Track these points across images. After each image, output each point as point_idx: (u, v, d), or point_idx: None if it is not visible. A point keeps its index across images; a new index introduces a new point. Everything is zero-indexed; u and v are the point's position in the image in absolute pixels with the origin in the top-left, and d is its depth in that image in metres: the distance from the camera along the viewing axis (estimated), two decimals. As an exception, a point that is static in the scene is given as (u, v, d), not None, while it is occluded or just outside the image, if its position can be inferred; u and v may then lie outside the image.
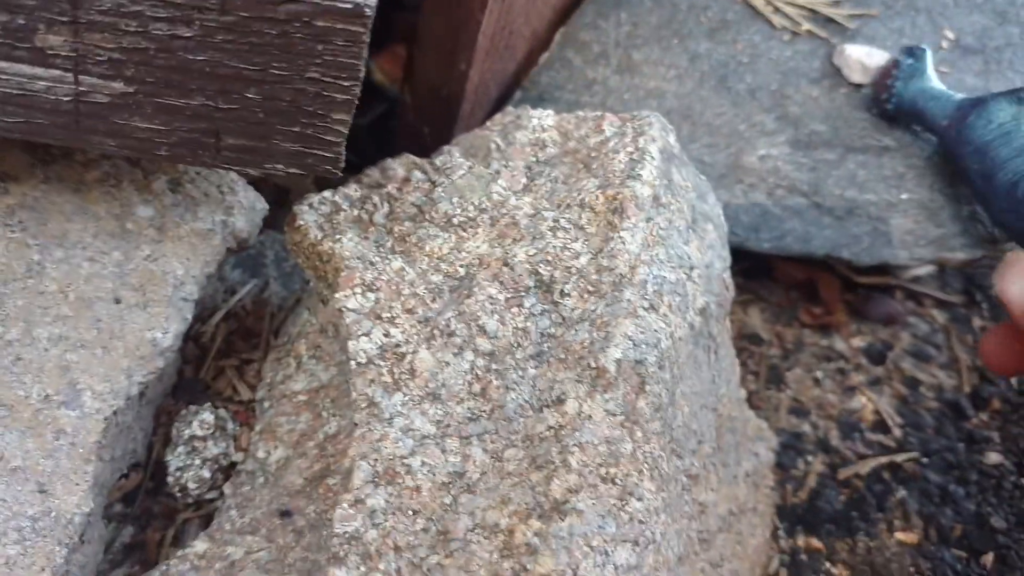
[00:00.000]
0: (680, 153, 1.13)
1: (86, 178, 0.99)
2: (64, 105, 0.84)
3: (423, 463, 0.86)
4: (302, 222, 1.02)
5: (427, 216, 1.03)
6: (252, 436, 1.03)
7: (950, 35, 1.61)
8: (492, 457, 0.87)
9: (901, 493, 1.33)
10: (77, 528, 0.84)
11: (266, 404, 1.04)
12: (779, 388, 1.43)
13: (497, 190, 1.05)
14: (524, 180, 1.07)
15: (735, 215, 1.42)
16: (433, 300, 0.97)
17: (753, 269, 1.55)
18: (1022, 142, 1.24)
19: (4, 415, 0.87)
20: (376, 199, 1.06)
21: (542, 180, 1.07)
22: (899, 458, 1.36)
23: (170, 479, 1.00)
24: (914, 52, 1.49)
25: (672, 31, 1.60)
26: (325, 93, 0.85)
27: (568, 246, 0.99)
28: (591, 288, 0.98)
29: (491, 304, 0.96)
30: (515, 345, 0.95)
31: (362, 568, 0.80)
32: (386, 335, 0.94)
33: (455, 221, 1.02)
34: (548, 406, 0.90)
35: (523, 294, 0.98)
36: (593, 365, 0.92)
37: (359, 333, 0.93)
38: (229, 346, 1.11)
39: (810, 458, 1.36)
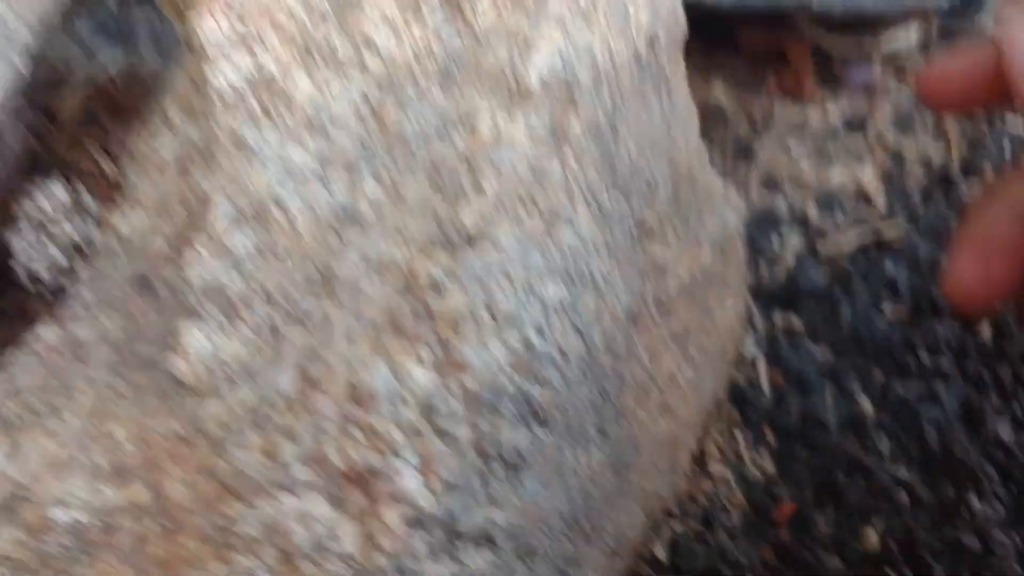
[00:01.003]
0: None
1: None
2: None
3: (302, 201, 0.69)
4: (146, -58, 0.82)
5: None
6: (115, 211, 0.85)
7: None
8: (388, 191, 0.71)
9: (889, 267, 1.18)
10: None
11: (132, 175, 0.86)
12: (748, 163, 1.26)
13: None
14: None
15: (690, -37, 1.22)
16: (313, 21, 0.78)
17: (716, 40, 1.36)
18: None
19: None
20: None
21: None
22: (885, 231, 1.21)
23: (17, 268, 0.84)
24: None
25: None
26: None
27: (473, -59, 0.80)
28: (511, 1, 0.79)
29: (385, 21, 0.77)
30: (416, 68, 0.77)
31: (223, 320, 0.64)
32: (256, 64, 0.75)
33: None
34: (457, 130, 0.72)
35: (424, 9, 0.79)
36: (513, 83, 0.74)
37: (222, 63, 0.75)
38: (92, 120, 0.92)
39: (786, 234, 1.20)
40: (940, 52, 1.37)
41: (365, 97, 0.74)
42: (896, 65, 1.39)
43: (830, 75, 1.36)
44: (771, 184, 1.23)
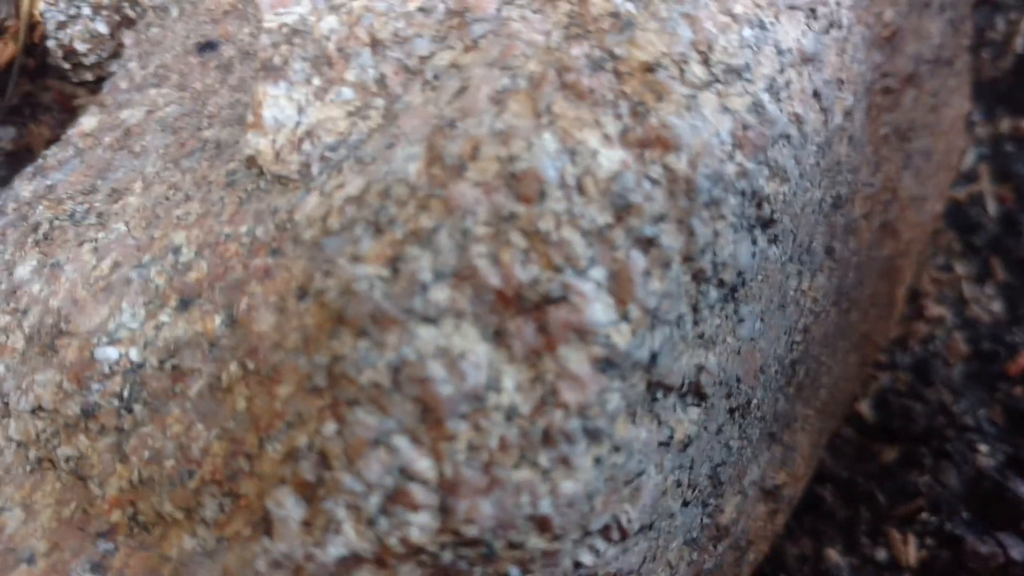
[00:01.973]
0: None
1: None
2: None
3: (417, -92, 0.47)
4: None
5: None
6: (166, -31, 0.65)
7: None
8: None
9: None
10: None
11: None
12: (967, -79, 0.97)
13: None
14: None
15: None
16: None
17: None
18: None
19: None
20: None
21: None
22: None
23: (51, 43, 0.65)
24: None
25: None
26: None
27: None
28: None
29: None
30: None
31: (315, 81, 0.44)
32: None
33: None
34: None
35: None
36: None
37: None
38: None
39: (1016, 18, 0.93)
40: None
41: None
42: None
43: None
44: (999, -52, 0.95)
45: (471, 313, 0.40)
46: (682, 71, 0.43)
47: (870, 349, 0.72)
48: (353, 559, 0.39)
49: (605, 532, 0.42)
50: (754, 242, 0.46)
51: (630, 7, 0.43)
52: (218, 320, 0.42)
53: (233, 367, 0.41)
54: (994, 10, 0.94)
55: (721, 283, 0.45)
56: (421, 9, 0.45)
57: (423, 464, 0.39)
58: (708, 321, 0.45)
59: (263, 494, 0.40)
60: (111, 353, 0.43)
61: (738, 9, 0.44)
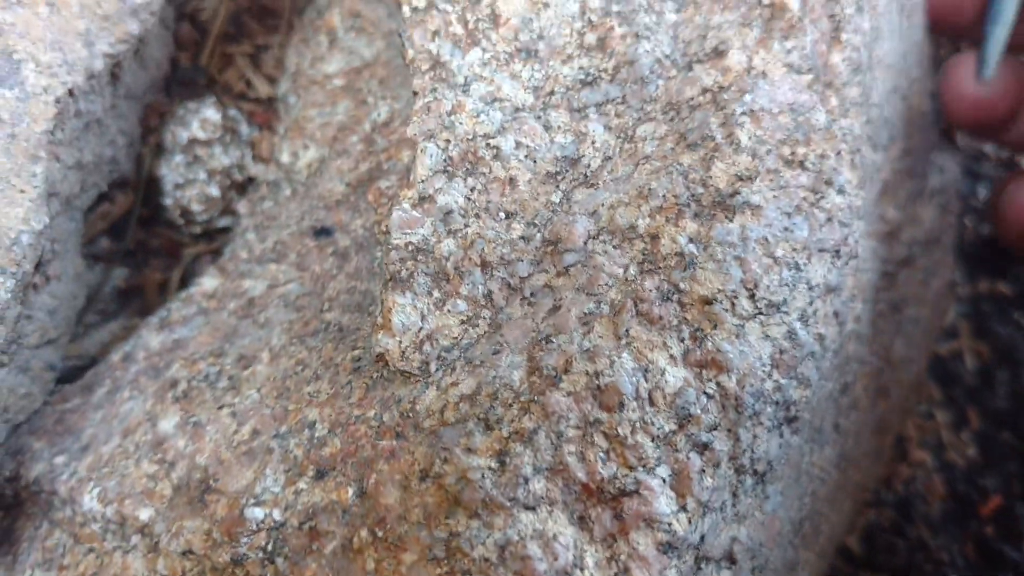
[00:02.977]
0: None
1: None
2: None
3: (518, 145, 0.58)
4: None
5: None
6: (274, 140, 0.75)
7: None
8: (619, 135, 0.59)
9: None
10: (26, 252, 0.59)
11: (291, 99, 0.76)
12: (953, 98, 1.10)
13: None
14: None
15: None
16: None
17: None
18: None
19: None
20: None
21: None
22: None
23: (168, 200, 0.74)
24: None
25: None
26: None
27: None
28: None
29: (604, -74, 0.64)
30: (642, -16, 0.64)
31: (435, 294, 0.54)
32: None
33: None
34: (701, 61, 0.60)
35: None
36: (766, 1, 0.61)
37: (413, -28, 0.63)
38: (239, 28, 0.81)
39: (995, 184, 1.05)
40: None
41: (584, 11, 0.62)
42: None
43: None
44: (980, 126, 1.08)
45: (562, 502, 0.49)
46: (733, 304, 0.53)
47: (861, 493, 0.83)
48: None
49: None
50: (781, 435, 0.56)
51: (692, 248, 0.54)
52: (350, 491, 0.51)
53: (363, 533, 0.50)
54: (976, 180, 1.06)
55: (755, 472, 0.55)
56: (522, 238, 0.56)
57: (519, 626, 0.48)
58: (743, 502, 0.55)
59: (381, 640, 0.49)
60: (258, 513, 0.52)
61: (779, 253, 0.55)
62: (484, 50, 0.61)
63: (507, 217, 0.56)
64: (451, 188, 0.56)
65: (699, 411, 0.51)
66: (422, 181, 0.56)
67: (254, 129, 0.77)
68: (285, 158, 0.72)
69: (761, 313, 0.54)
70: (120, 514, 0.55)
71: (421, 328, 0.54)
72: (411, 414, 0.52)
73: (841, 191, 0.58)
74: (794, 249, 0.55)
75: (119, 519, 0.55)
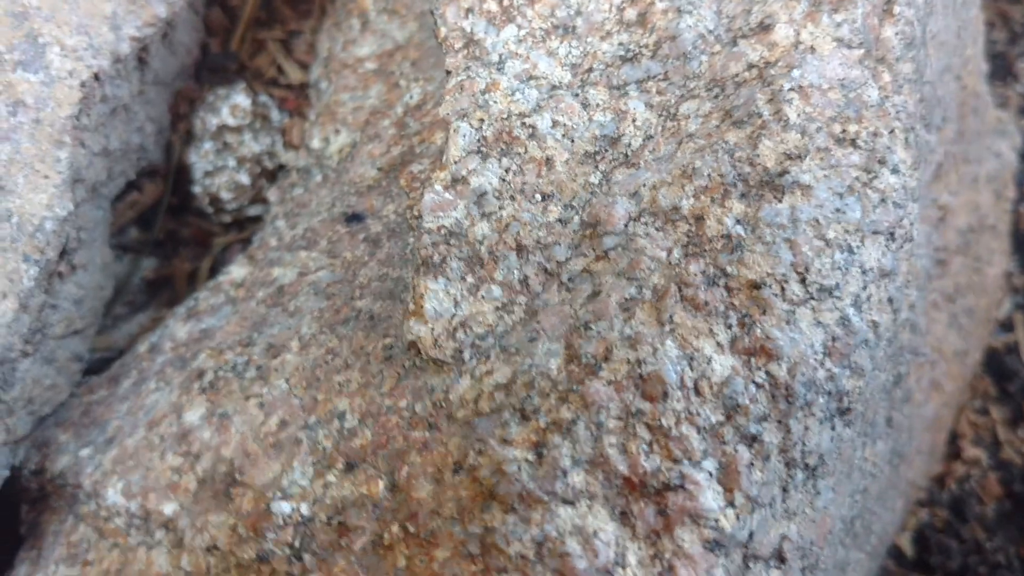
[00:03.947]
0: None
1: None
2: None
3: (554, 124, 0.56)
4: None
5: None
6: (305, 126, 0.73)
7: None
8: (661, 113, 0.56)
9: None
10: (50, 239, 0.58)
11: (323, 84, 0.74)
12: (1006, 82, 1.06)
13: None
14: None
15: None
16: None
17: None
18: None
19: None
20: None
21: None
22: None
23: (197, 188, 0.73)
24: None
25: None
26: None
27: None
28: None
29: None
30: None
31: (469, 279, 0.52)
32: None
33: None
34: (746, 36, 0.57)
35: None
36: (810, -21, 0.58)
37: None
38: (271, 14, 0.80)
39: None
40: None
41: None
42: None
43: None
44: (1035, 109, 1.03)
45: (602, 496, 0.47)
46: (783, 289, 0.50)
47: (913, 491, 0.79)
48: None
49: None
50: (833, 428, 0.53)
51: (740, 230, 0.51)
52: (381, 484, 0.49)
53: (395, 528, 0.48)
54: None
55: (807, 466, 0.52)
56: (560, 220, 0.53)
57: (558, 626, 0.46)
58: (793, 498, 0.52)
59: (413, 640, 0.47)
60: (284, 507, 0.50)
61: (831, 234, 0.52)
62: (519, 27, 0.58)
63: (544, 199, 0.54)
64: (485, 169, 0.54)
65: (747, 401, 0.49)
66: (455, 162, 0.54)
67: (285, 115, 0.75)
68: (316, 144, 0.70)
69: (812, 298, 0.51)
70: (144, 508, 0.54)
71: (454, 315, 0.51)
72: (444, 404, 0.50)
73: (895, 170, 0.55)
74: (846, 231, 0.52)
75: (143, 513, 0.54)
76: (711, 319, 0.50)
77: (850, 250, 0.52)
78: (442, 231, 0.53)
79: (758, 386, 0.49)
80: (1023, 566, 0.83)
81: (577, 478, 0.47)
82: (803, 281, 0.51)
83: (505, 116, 0.55)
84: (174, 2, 0.66)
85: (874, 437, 0.62)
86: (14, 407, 0.58)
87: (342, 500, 0.50)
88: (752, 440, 0.49)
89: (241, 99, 0.73)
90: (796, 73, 0.55)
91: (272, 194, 0.70)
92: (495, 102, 0.56)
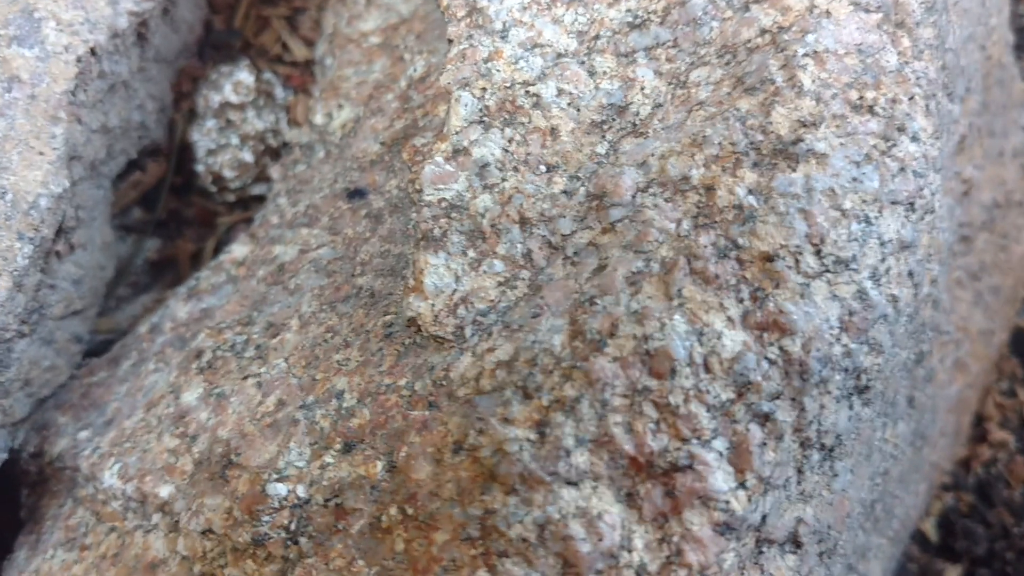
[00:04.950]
0: None
1: None
2: None
3: (560, 92, 0.54)
4: None
5: None
6: (310, 103, 0.72)
7: None
8: (671, 80, 0.54)
9: None
10: (45, 217, 0.57)
11: (328, 60, 0.72)
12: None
13: None
14: None
15: None
16: None
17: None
18: None
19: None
20: None
21: None
22: None
23: (200, 167, 0.72)
24: None
25: None
26: None
27: None
28: None
29: None
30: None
31: (470, 253, 0.50)
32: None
33: None
34: (758, 0, 0.55)
35: None
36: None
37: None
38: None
39: (1080, 146, 0.97)
40: None
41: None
42: None
43: None
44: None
45: (607, 477, 0.45)
46: (797, 261, 0.48)
47: (938, 475, 0.77)
48: None
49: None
50: (851, 407, 0.51)
51: (752, 200, 0.49)
52: (379, 465, 0.48)
53: (393, 510, 0.47)
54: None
55: (823, 447, 0.50)
56: (565, 192, 0.51)
57: (562, 612, 0.44)
58: (809, 479, 0.50)
59: (413, 625, 0.46)
60: (280, 489, 0.49)
61: (847, 205, 0.49)
62: (522, -7, 0.56)
63: (548, 170, 0.52)
64: (487, 140, 0.52)
65: (760, 378, 0.47)
66: (456, 133, 0.52)
67: (289, 93, 0.74)
68: (319, 119, 0.69)
69: (828, 271, 0.49)
70: (140, 491, 0.53)
71: (455, 290, 0.50)
72: (445, 382, 0.48)
73: (915, 139, 0.52)
74: (864, 201, 0.50)
75: (140, 496, 0.53)
76: (722, 293, 0.48)
77: (867, 221, 0.50)
78: (443, 204, 0.51)
79: (771, 362, 0.47)
80: (1052, 553, 0.80)
81: (581, 458, 0.45)
82: (818, 253, 0.48)
83: (508, 85, 0.53)
84: (174, -22, 0.65)
85: (895, 417, 0.60)
86: (11, 388, 0.57)
87: (339, 482, 0.48)
88: (765, 418, 0.47)
89: (245, 76, 0.72)
90: (811, 38, 0.53)
91: (275, 171, 0.69)
92: (498, 71, 0.54)
